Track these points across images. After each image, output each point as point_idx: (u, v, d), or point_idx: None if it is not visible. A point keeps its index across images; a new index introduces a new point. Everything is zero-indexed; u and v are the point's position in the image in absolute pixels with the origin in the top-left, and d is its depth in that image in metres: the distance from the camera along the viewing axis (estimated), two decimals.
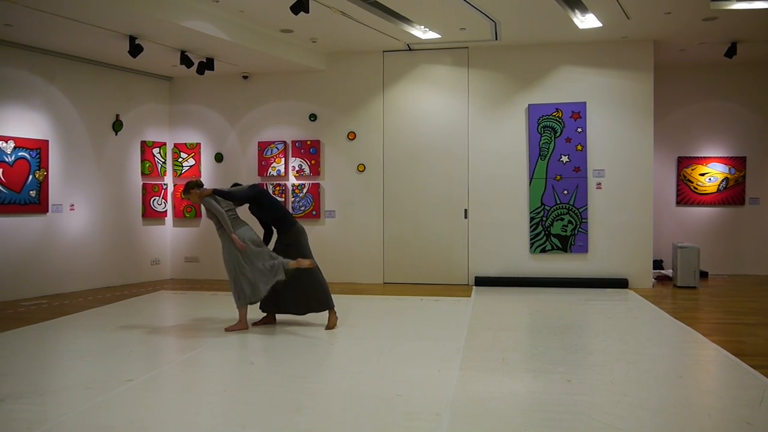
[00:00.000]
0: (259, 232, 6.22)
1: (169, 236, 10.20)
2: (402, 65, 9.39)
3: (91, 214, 9.04)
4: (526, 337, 6.02)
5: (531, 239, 9.02)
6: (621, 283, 8.71)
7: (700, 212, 10.36)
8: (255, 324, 6.23)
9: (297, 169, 9.67)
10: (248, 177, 9.78)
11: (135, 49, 7.66)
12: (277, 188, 9.71)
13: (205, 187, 6.23)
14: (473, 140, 9.19)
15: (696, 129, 10.33)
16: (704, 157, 10.28)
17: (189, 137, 10.14)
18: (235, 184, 6.38)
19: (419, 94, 9.36)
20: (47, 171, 8.39)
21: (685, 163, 10.33)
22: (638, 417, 3.61)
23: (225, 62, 9.02)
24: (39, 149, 8.27)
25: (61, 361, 5.07)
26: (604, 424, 3.47)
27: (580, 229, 8.86)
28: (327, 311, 6.12)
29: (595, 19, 7.78)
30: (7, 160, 7.92)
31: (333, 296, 6.13)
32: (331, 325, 6.05)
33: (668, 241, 10.16)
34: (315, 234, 9.54)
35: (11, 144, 7.96)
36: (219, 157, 10.04)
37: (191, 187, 6.08)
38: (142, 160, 9.76)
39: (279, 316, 6.44)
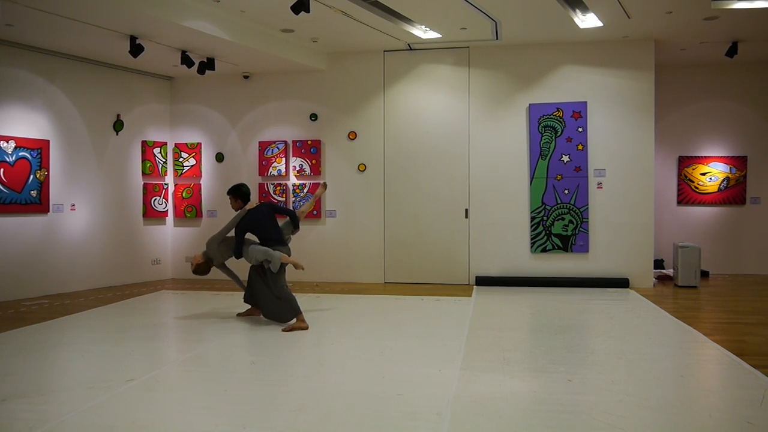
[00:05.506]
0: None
1: (169, 236, 10.20)
2: (403, 65, 9.39)
3: (92, 214, 9.04)
4: (527, 337, 6.02)
5: (532, 239, 9.02)
6: (622, 283, 8.70)
7: (701, 212, 10.36)
8: (239, 315, 6.70)
9: (298, 168, 9.67)
10: (249, 177, 9.79)
11: (136, 49, 7.67)
12: (278, 188, 9.71)
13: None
14: (474, 140, 9.19)
15: (697, 128, 10.33)
16: (705, 157, 10.27)
17: (190, 137, 10.15)
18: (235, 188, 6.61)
19: (420, 93, 9.36)
20: (48, 171, 8.39)
21: (686, 162, 10.33)
22: (639, 416, 3.61)
23: (226, 62, 9.03)
24: (40, 149, 8.27)
25: (62, 361, 5.07)
26: (605, 424, 3.47)
27: (581, 229, 8.86)
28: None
29: (596, 18, 7.78)
30: (8, 160, 7.92)
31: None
32: (287, 328, 6.05)
33: (669, 240, 10.16)
34: (316, 234, 9.57)
35: (12, 144, 7.97)
36: (220, 157, 10.05)
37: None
38: (143, 160, 9.77)
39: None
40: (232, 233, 6.44)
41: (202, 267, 6.50)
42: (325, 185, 7.26)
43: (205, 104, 10.10)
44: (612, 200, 8.85)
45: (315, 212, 9.55)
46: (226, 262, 6.56)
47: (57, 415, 3.71)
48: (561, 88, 8.98)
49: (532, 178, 9.00)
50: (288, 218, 6.59)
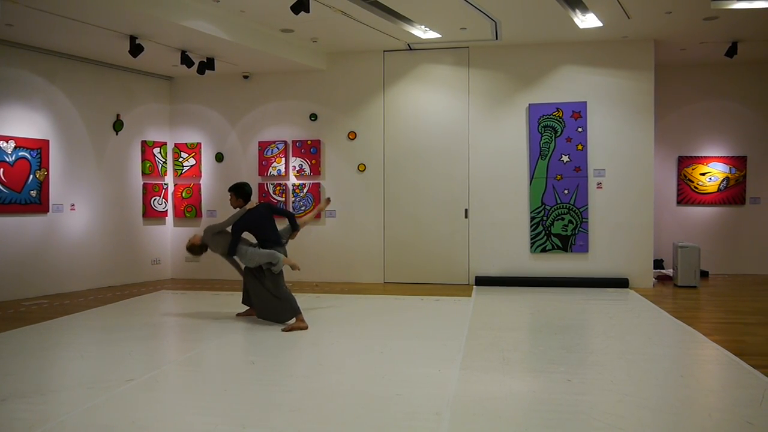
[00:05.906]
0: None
1: (169, 236, 10.20)
2: (402, 65, 9.39)
3: (92, 214, 9.04)
4: (526, 337, 6.02)
5: (531, 239, 9.02)
6: (621, 283, 8.70)
7: (700, 212, 10.36)
8: (239, 315, 6.72)
9: (297, 168, 9.68)
10: (249, 177, 9.78)
11: (135, 49, 7.67)
12: (278, 188, 9.71)
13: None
14: (474, 140, 9.19)
15: (696, 128, 10.33)
16: (705, 157, 10.28)
17: (189, 137, 10.15)
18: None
19: (420, 93, 9.36)
20: (48, 171, 8.39)
21: (685, 162, 10.33)
22: (639, 416, 3.61)
23: (225, 62, 9.03)
24: (40, 149, 8.27)
25: (62, 361, 5.07)
26: (604, 424, 3.47)
27: (580, 229, 8.87)
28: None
29: (596, 18, 7.78)
30: (7, 159, 7.92)
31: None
32: (287, 328, 6.05)
33: (669, 240, 10.16)
34: (315, 234, 9.57)
35: (12, 144, 7.97)
36: (219, 157, 10.05)
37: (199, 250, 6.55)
38: (143, 160, 9.77)
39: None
40: (230, 228, 6.43)
41: (196, 249, 6.48)
42: (328, 200, 7.34)
43: (205, 104, 10.10)
44: (612, 200, 8.85)
45: None
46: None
47: (57, 415, 3.71)
48: (561, 88, 8.98)
49: (531, 178, 9.00)
50: (286, 220, 6.59)
